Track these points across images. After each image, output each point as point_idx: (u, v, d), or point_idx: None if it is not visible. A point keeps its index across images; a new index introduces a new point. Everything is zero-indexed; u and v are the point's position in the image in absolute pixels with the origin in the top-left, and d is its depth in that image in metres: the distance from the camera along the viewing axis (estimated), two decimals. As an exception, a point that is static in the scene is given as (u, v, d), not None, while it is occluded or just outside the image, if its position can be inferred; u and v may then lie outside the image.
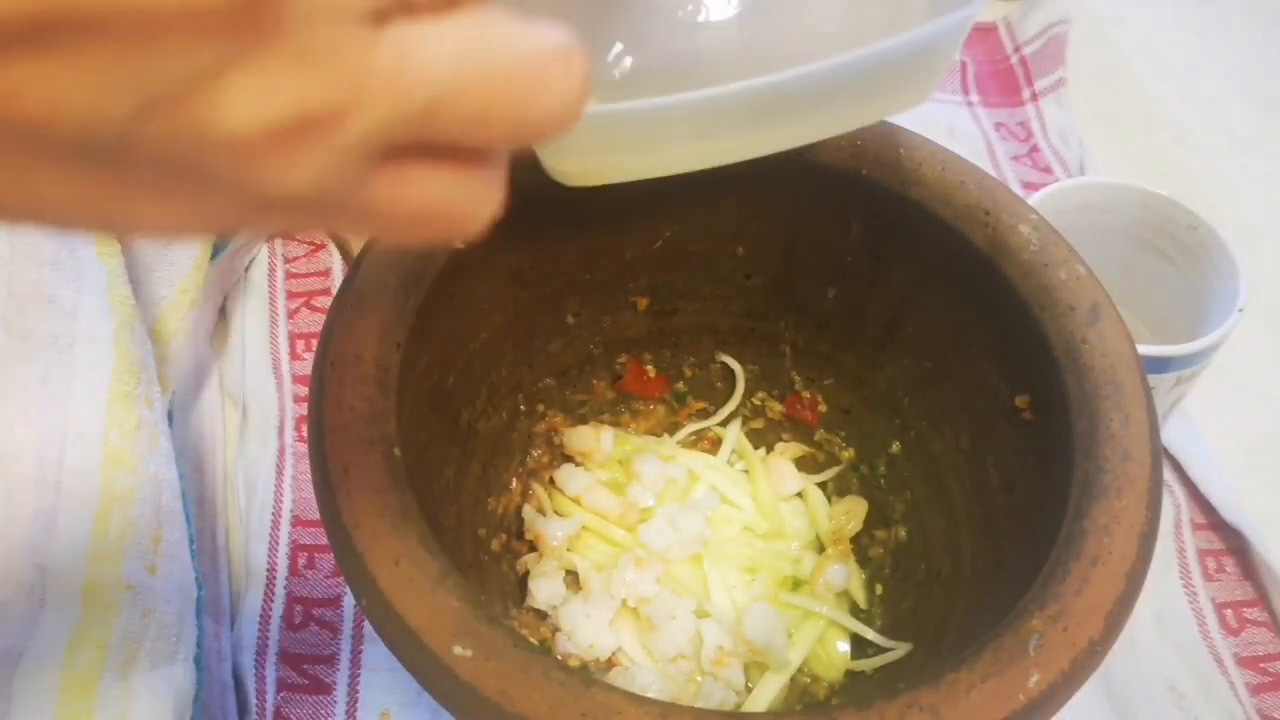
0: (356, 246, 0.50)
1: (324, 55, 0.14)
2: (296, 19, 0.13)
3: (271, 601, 0.41)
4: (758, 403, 0.43)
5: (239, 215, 0.16)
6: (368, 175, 0.15)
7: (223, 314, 0.50)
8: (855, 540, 0.40)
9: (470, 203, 0.17)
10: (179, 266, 0.43)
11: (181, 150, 0.14)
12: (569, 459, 0.42)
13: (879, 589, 0.39)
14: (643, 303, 0.40)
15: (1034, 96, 0.62)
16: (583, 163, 0.28)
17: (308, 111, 0.14)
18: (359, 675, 0.39)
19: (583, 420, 0.42)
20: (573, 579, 0.39)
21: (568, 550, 0.39)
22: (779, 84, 0.25)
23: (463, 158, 0.16)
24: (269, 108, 0.14)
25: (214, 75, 0.13)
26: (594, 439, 0.41)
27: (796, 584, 0.40)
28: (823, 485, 0.42)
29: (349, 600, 0.41)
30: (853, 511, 0.40)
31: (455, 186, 0.17)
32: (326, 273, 0.52)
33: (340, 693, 0.39)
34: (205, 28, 0.13)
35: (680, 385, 0.43)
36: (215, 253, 0.48)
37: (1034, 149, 0.60)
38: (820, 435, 0.42)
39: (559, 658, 0.34)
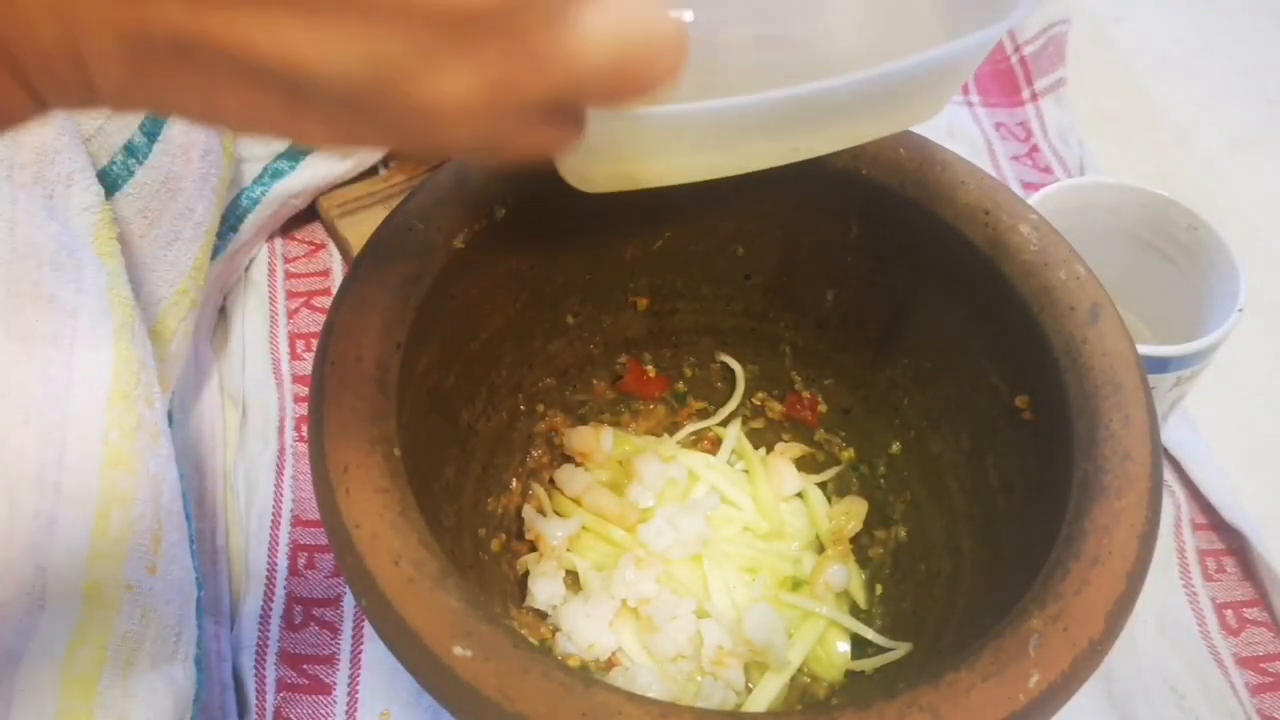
0: (356, 246, 0.50)
1: (529, 42, 0.16)
2: (523, 11, 0.16)
3: (271, 601, 0.41)
4: (758, 403, 0.43)
5: (395, 144, 0.18)
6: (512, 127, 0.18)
7: (223, 314, 0.50)
8: (855, 540, 0.40)
9: (566, 138, 0.20)
10: (179, 266, 0.43)
11: (379, 105, 0.16)
12: (569, 459, 0.42)
13: (879, 589, 0.39)
14: (643, 303, 0.40)
15: (1034, 96, 0.62)
16: (606, 168, 0.28)
17: (499, 87, 0.17)
18: (359, 675, 0.39)
19: (583, 420, 0.42)
20: (573, 579, 0.39)
21: (567, 550, 0.39)
22: (812, 94, 0.25)
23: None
24: (472, 85, 0.16)
25: (437, 55, 0.16)
26: (594, 439, 0.41)
27: (796, 584, 0.40)
28: (823, 485, 0.42)
29: (349, 600, 0.41)
30: (853, 511, 0.40)
31: (561, 130, 0.19)
32: (326, 273, 0.52)
33: (340, 693, 0.39)
34: (453, 19, 0.15)
35: (680, 385, 0.43)
36: (215, 253, 0.48)
37: (1034, 149, 0.60)
38: (820, 435, 0.42)
39: (559, 658, 0.34)
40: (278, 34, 0.15)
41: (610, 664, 0.37)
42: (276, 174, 0.50)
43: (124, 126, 0.40)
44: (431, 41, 0.16)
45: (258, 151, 0.49)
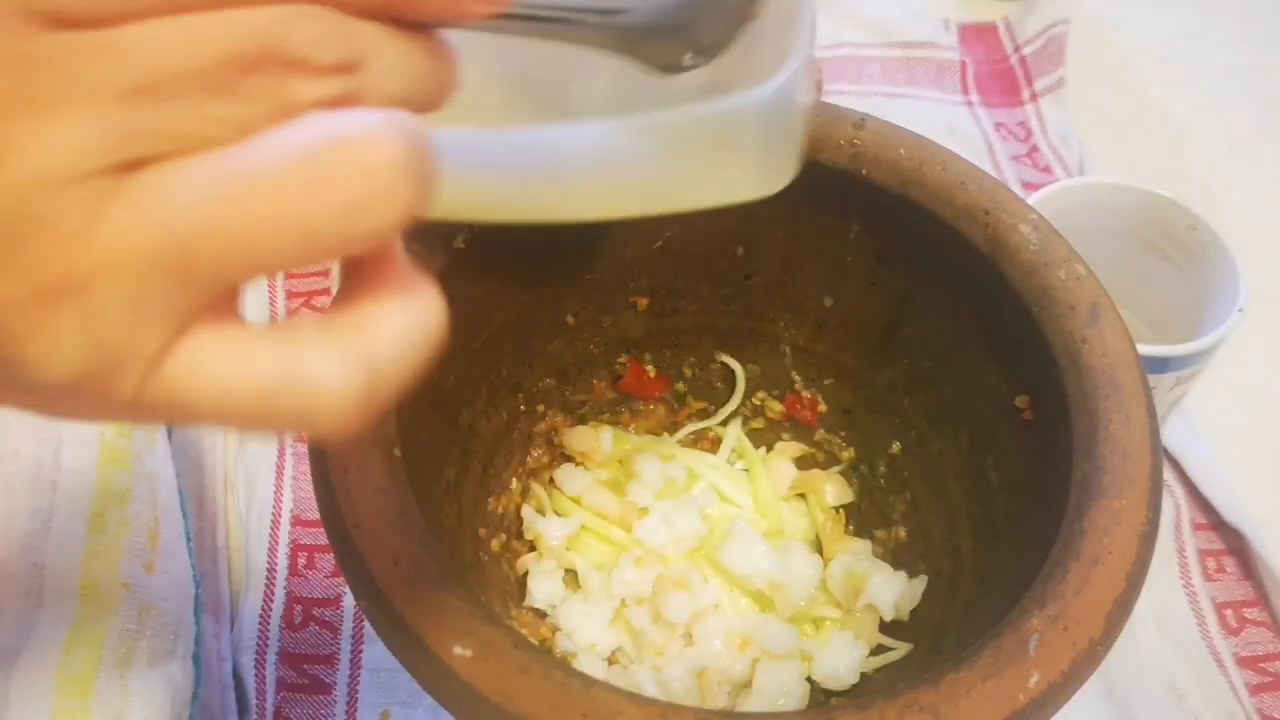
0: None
1: (42, 227, 0.12)
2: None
3: (271, 601, 0.41)
4: (758, 403, 0.43)
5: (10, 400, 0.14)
6: (153, 352, 0.13)
7: (222, 313, 0.50)
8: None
9: (304, 383, 0.14)
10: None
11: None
12: (569, 459, 0.41)
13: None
14: (643, 303, 0.40)
15: (1034, 96, 0.62)
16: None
17: (43, 287, 0.13)
18: (359, 675, 0.39)
19: (583, 420, 0.42)
20: (572, 578, 0.39)
21: (567, 549, 0.39)
22: (538, 140, 0.24)
23: (291, 327, 0.14)
24: None
25: None
26: (594, 439, 0.41)
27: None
28: (822, 485, 0.42)
29: (349, 600, 0.41)
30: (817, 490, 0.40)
31: (281, 359, 0.14)
32: (326, 273, 0.52)
33: (340, 693, 0.39)
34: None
35: (680, 385, 0.43)
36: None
37: (1034, 149, 0.60)
38: (820, 435, 0.42)
39: (559, 657, 0.34)
40: None
41: (610, 664, 0.37)
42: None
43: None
44: None
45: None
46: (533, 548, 0.40)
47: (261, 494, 0.44)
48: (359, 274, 0.16)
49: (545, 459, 0.41)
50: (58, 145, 0.12)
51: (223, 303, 0.14)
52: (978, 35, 0.67)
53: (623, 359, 0.42)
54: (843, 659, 0.36)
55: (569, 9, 0.21)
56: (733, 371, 0.43)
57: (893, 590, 0.37)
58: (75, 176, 0.13)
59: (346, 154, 0.13)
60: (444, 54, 0.16)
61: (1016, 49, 0.65)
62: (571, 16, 0.21)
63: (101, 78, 0.13)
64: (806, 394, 0.42)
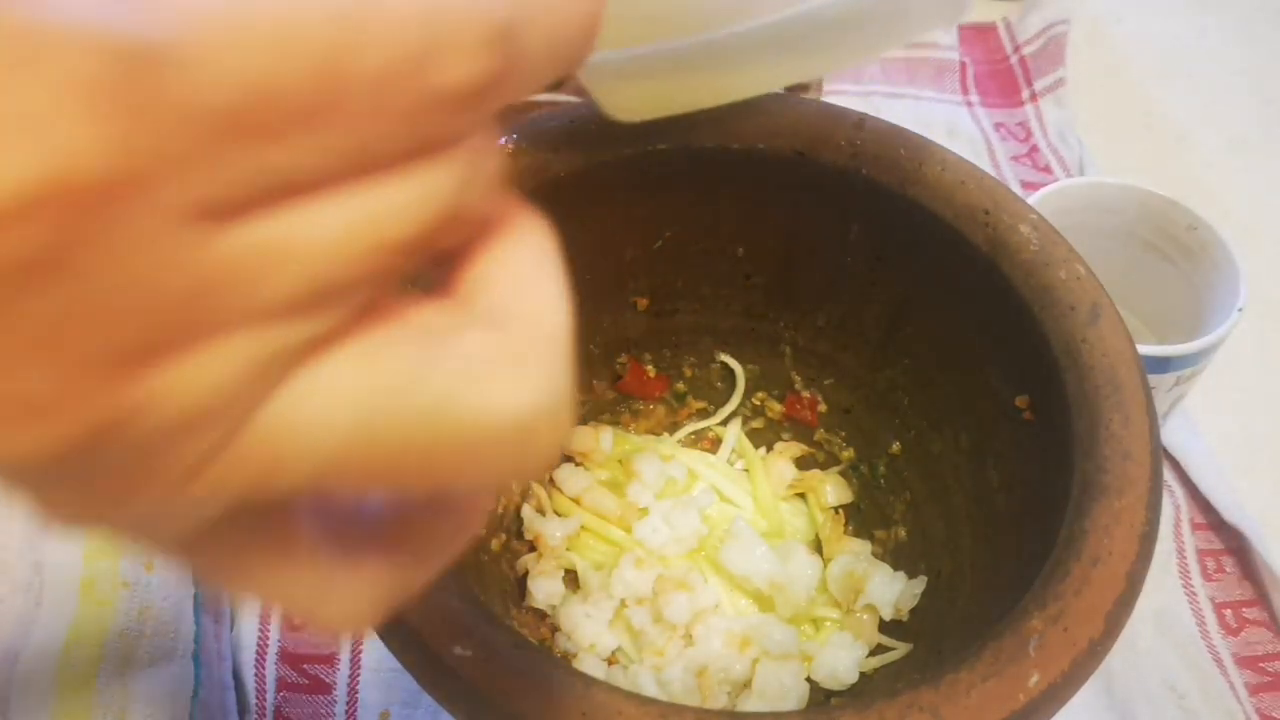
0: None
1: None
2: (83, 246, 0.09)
3: (271, 601, 0.41)
4: (757, 402, 0.43)
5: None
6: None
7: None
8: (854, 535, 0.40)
9: (329, 589, 0.11)
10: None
11: None
12: (568, 459, 0.41)
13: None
14: (643, 303, 0.40)
15: (1034, 96, 0.62)
16: (629, 97, 0.30)
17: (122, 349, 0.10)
18: (359, 675, 0.39)
19: (583, 420, 0.42)
20: (572, 578, 0.39)
21: (567, 550, 0.39)
22: (789, 20, 0.26)
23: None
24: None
25: None
26: (594, 439, 0.41)
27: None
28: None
29: (348, 600, 0.41)
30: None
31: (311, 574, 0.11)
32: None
33: (340, 692, 0.39)
34: None
35: (680, 385, 0.43)
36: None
37: (1034, 149, 0.60)
38: (820, 435, 0.42)
39: (559, 657, 0.34)
40: None
41: (610, 664, 0.37)
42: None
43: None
44: None
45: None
46: (533, 548, 0.40)
47: (262, 494, 0.43)
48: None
49: (545, 459, 0.41)
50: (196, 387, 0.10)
51: None
52: (977, 35, 0.67)
53: (623, 359, 0.42)
54: (842, 659, 0.36)
55: None
56: (733, 371, 0.43)
57: (892, 590, 0.37)
58: (169, 217, 0.10)
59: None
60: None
61: (1016, 49, 0.65)
62: None
63: (265, 297, 0.10)
64: (806, 394, 0.42)
